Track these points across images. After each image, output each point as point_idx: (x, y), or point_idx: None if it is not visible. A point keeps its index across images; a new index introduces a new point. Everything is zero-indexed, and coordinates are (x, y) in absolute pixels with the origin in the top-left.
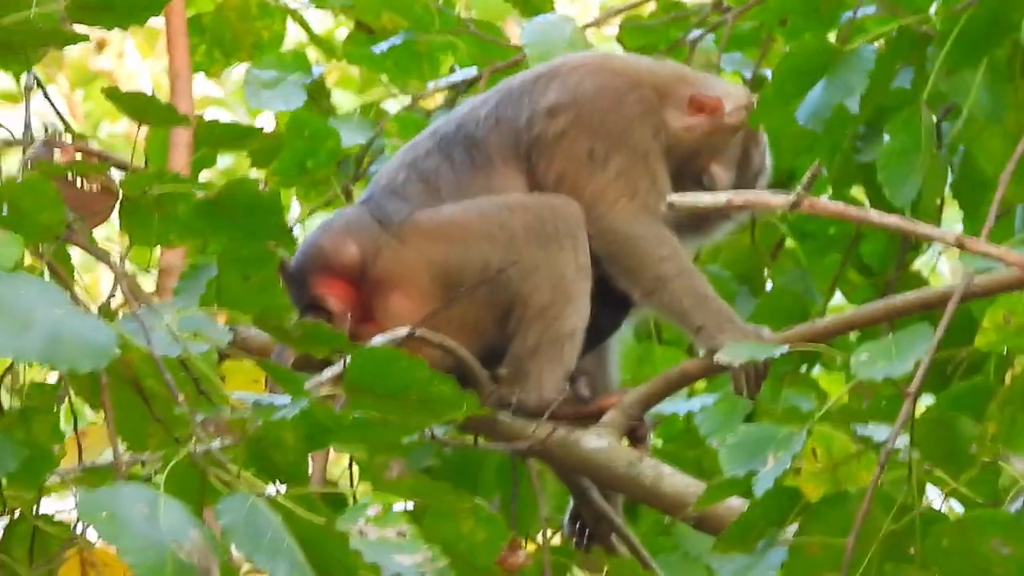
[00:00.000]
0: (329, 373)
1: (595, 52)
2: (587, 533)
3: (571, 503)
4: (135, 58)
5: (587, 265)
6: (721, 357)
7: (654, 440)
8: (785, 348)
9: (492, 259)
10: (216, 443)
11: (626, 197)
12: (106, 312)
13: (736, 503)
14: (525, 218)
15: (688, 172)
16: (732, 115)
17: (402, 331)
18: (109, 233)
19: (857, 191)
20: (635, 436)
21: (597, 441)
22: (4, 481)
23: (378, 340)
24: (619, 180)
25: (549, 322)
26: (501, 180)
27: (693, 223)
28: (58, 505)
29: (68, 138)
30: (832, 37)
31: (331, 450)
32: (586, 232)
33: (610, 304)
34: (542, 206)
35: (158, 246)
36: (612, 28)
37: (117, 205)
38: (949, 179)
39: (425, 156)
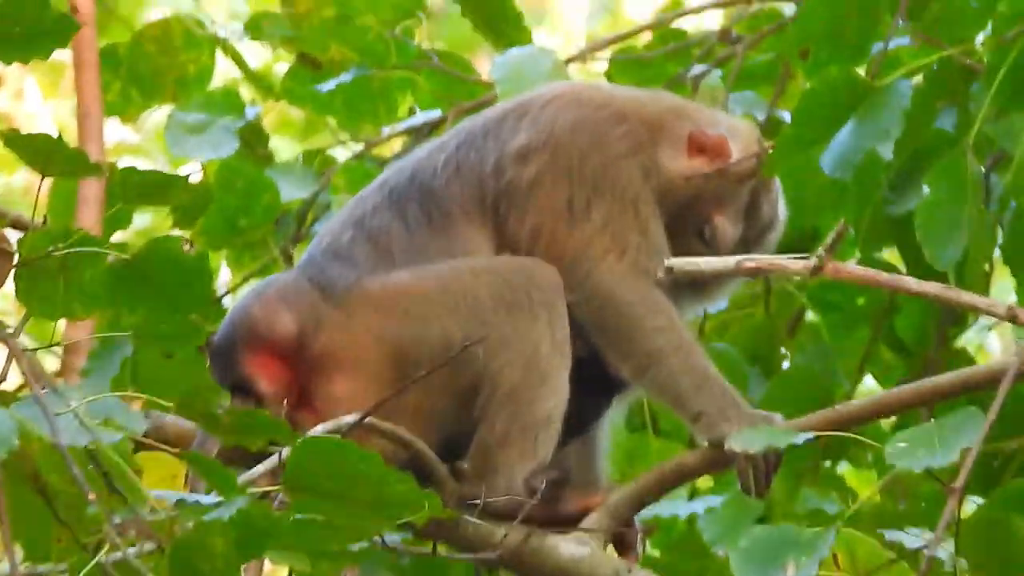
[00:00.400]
0: (265, 467)
1: (572, 82)
2: None
3: None
4: (36, 98)
5: (565, 340)
6: (732, 445)
7: (648, 548)
8: (807, 436)
9: (455, 334)
10: (133, 550)
11: (614, 254)
12: (1, 396)
13: None
14: (493, 284)
15: (687, 222)
16: (739, 158)
17: (349, 419)
18: (3, 303)
19: (890, 253)
20: (623, 543)
21: (577, 548)
22: None
23: (321, 429)
24: (605, 233)
25: (521, 406)
26: (463, 239)
27: (692, 283)
28: None
29: None
30: (862, 71)
31: (266, 560)
32: (565, 300)
33: (594, 386)
34: (513, 270)
35: (62, 318)
36: (601, 63)
37: (13, 269)
38: (999, 239)
39: (373, 212)
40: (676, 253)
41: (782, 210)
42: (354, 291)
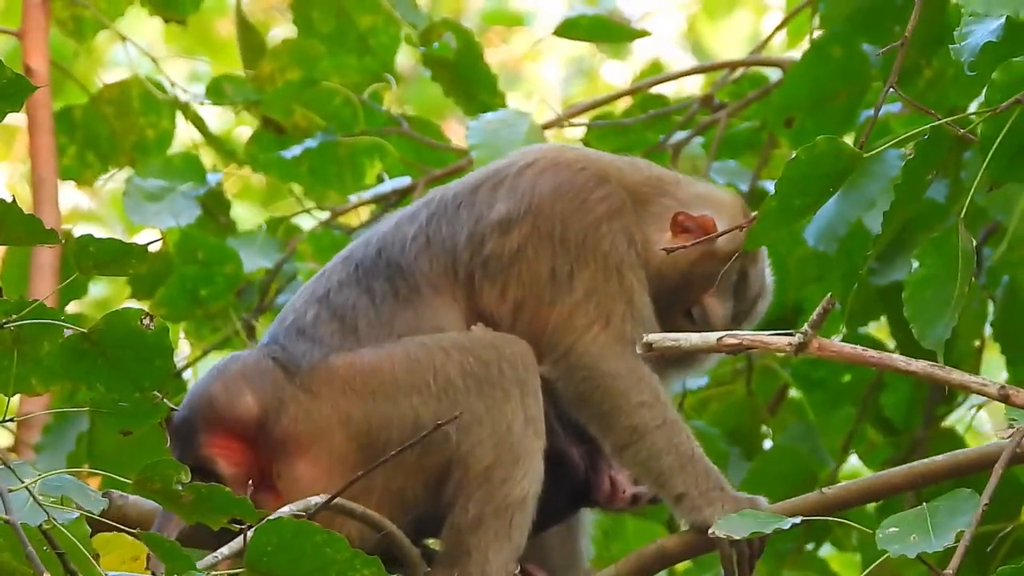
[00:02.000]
0: (228, 550)
1: (546, 145)
2: None
3: None
4: None
5: (539, 417)
6: (716, 531)
7: None
8: (793, 521)
9: (424, 414)
10: None
11: (599, 324)
12: None
13: None
14: (463, 362)
15: (675, 304)
16: (726, 237)
17: (318, 499)
18: None
19: (878, 328)
20: None
21: None
22: None
23: (288, 510)
24: (588, 302)
25: (494, 487)
26: (431, 314)
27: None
28: None
29: None
30: (849, 140)
31: None
32: (538, 376)
33: (566, 475)
34: (483, 346)
35: (17, 394)
36: (577, 129)
37: None
38: (990, 316)
39: (339, 288)
40: (665, 331)
41: (770, 277)
42: (319, 370)
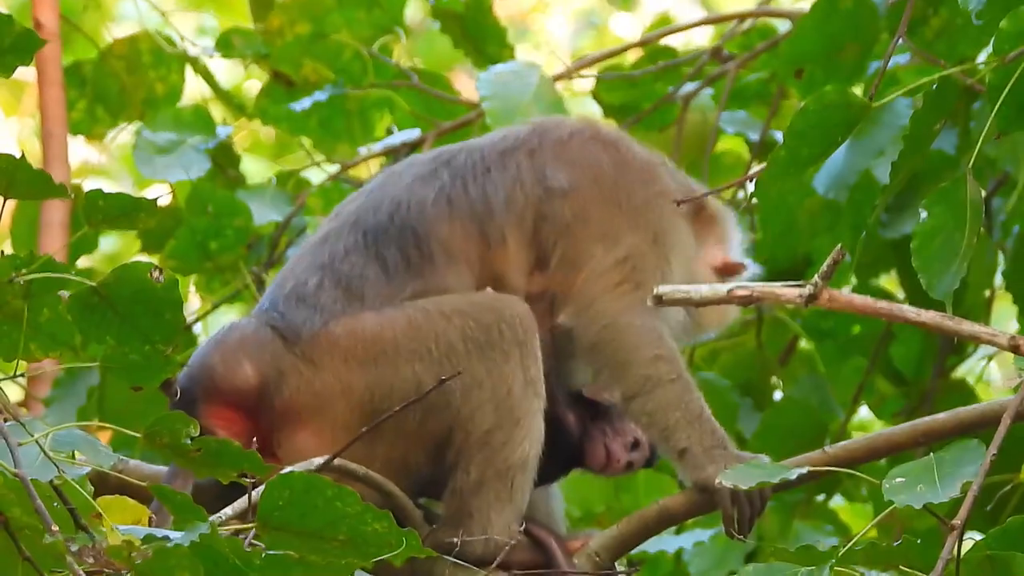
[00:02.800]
0: (239, 504)
1: (574, 118)
2: None
3: None
4: None
5: (538, 378)
6: (722, 481)
7: None
8: (787, 475)
9: (426, 380)
10: None
11: (629, 284)
12: None
13: None
14: (464, 326)
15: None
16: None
17: (319, 460)
18: None
19: (888, 280)
20: None
21: None
22: None
23: (288, 470)
24: (626, 264)
25: (495, 450)
26: (440, 282)
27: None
28: None
29: None
30: (858, 91)
31: None
32: (538, 337)
33: (561, 440)
34: (483, 309)
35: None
36: (587, 81)
37: None
38: (1000, 266)
39: (344, 255)
40: None
41: None
42: (319, 339)
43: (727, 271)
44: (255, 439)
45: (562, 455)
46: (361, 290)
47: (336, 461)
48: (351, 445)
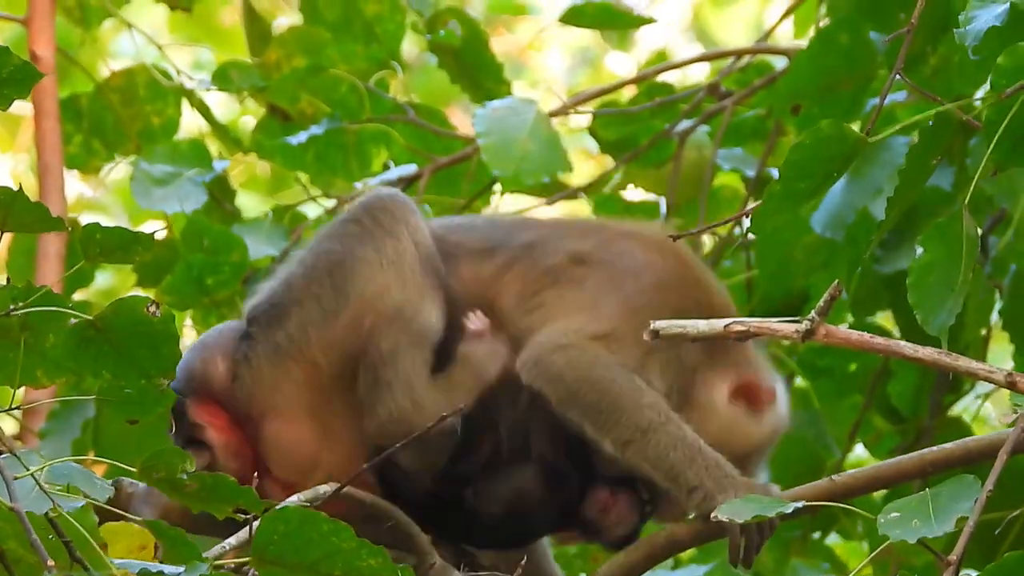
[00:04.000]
0: (234, 539)
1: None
2: None
3: None
4: None
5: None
6: (720, 515)
7: None
8: (796, 505)
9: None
10: None
11: (604, 344)
12: None
13: None
14: (345, 228)
15: None
16: (774, 423)
17: (325, 488)
18: None
19: (884, 318)
20: None
21: None
22: None
23: (296, 499)
24: (610, 336)
25: (407, 321)
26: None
27: None
28: None
29: None
30: (855, 127)
31: None
32: (419, 219)
33: (556, 499)
34: (359, 208)
35: (23, 386)
36: (583, 117)
37: None
38: (996, 304)
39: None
40: None
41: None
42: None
43: (751, 395)
44: (242, 437)
45: (560, 501)
46: None
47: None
48: (357, 477)
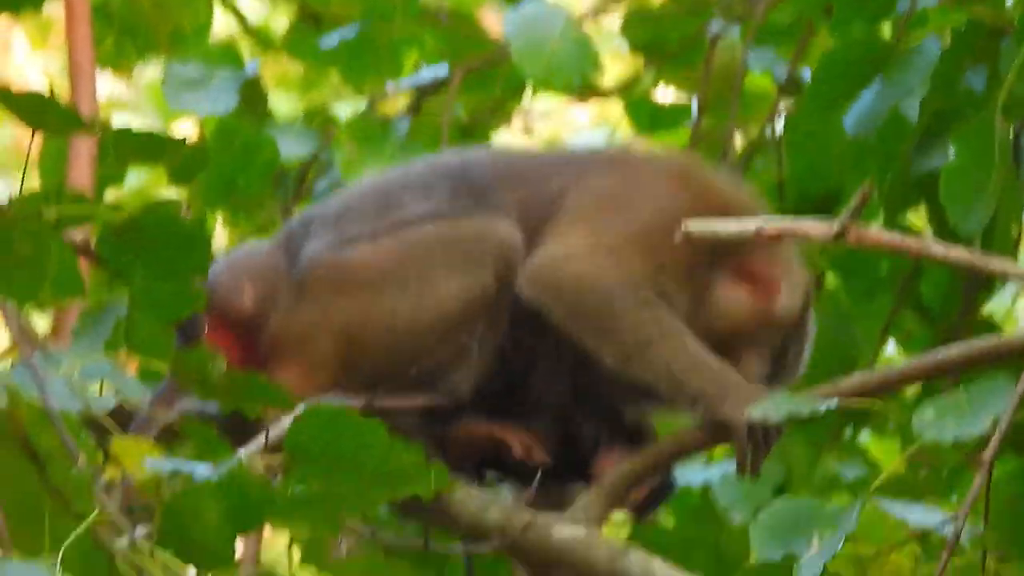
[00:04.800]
0: (262, 437)
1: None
2: None
3: None
4: (25, 51)
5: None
6: (752, 416)
7: (663, 520)
8: (831, 403)
9: (401, 310)
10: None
11: (612, 258)
12: None
13: None
14: (447, 255)
15: (711, 347)
16: (786, 304)
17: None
18: None
19: (916, 217)
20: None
21: (571, 530)
22: None
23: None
24: (619, 248)
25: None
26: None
27: None
28: None
29: None
30: (886, 30)
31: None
32: (516, 272)
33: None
34: (469, 238)
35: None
36: (613, 20)
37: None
38: None
39: (403, 186)
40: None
41: (806, 358)
42: (311, 270)
43: (753, 286)
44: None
45: (568, 465)
46: (386, 218)
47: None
48: (377, 393)
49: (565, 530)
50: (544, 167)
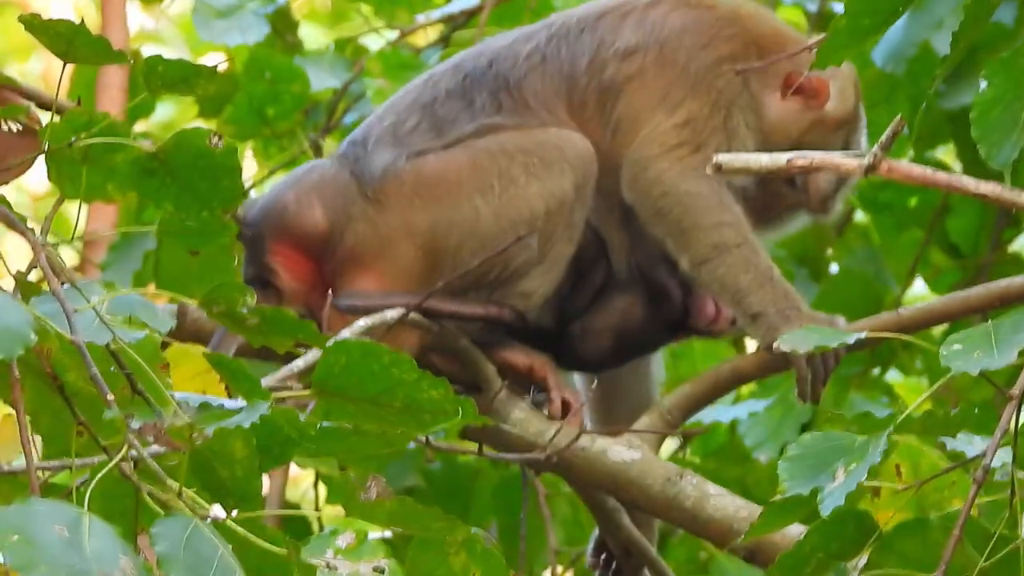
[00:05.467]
0: (291, 368)
1: None
2: (614, 567)
3: (596, 530)
4: None
5: (578, 226)
6: (782, 345)
7: (691, 456)
8: (861, 335)
9: (486, 214)
10: (152, 452)
11: (688, 147)
12: (23, 288)
13: (797, 532)
14: (527, 162)
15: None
16: (838, 105)
17: (393, 313)
18: (21, 197)
19: (945, 154)
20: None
21: (627, 452)
22: None
23: (363, 324)
24: (686, 127)
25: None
26: (526, 127)
27: (759, 210)
28: None
29: None
30: None
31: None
32: (594, 180)
33: (660, 318)
34: (547, 146)
35: (95, 200)
36: None
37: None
38: None
39: (445, 98)
40: (766, 201)
41: (864, 146)
42: (387, 181)
43: (802, 95)
44: (317, 286)
45: (665, 320)
46: (450, 132)
47: (412, 315)
48: (426, 300)
49: (623, 452)
50: (567, 44)
